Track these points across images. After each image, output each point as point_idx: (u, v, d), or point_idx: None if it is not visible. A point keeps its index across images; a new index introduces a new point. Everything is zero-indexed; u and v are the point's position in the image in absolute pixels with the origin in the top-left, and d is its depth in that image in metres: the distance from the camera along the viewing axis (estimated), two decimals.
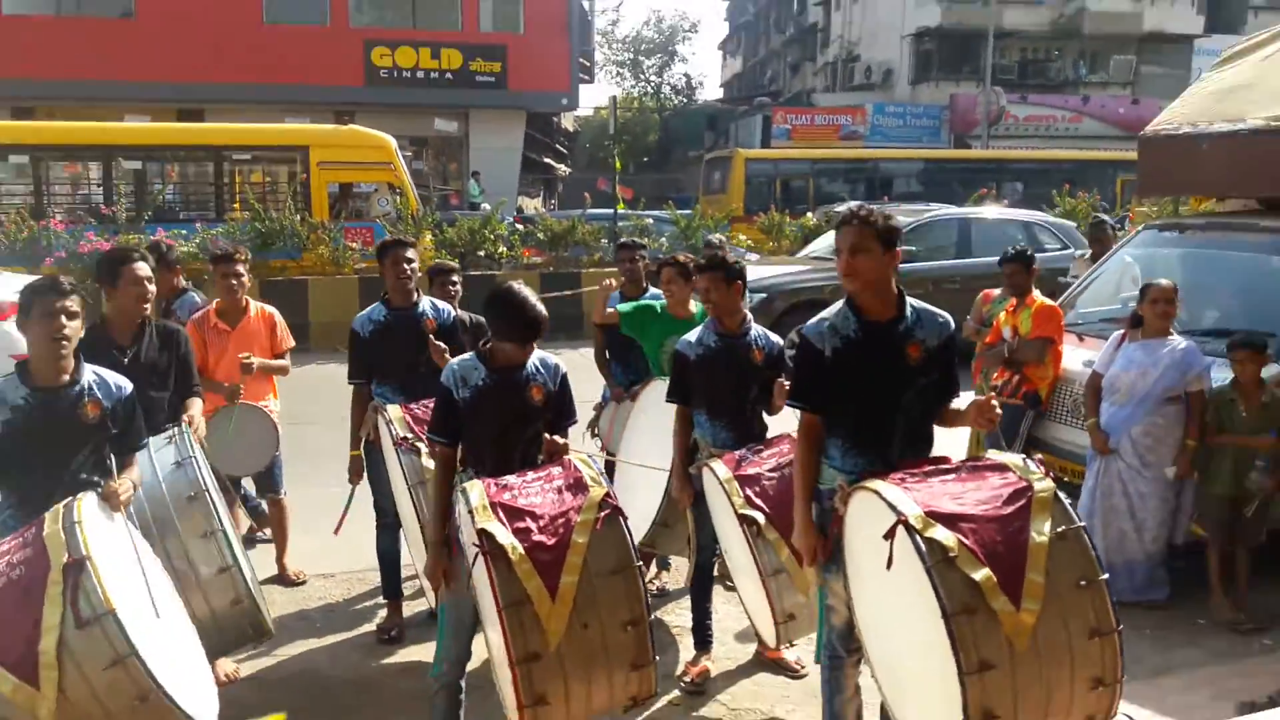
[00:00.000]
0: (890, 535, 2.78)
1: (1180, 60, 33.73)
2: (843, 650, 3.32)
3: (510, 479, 3.25)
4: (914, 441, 3.22)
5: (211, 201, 15.24)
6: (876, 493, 2.88)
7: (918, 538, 2.69)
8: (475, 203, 21.85)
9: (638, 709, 3.21)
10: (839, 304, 3.26)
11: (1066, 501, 2.82)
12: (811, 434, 3.28)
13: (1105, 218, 9.01)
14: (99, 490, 3.18)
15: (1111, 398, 5.06)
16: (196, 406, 4.28)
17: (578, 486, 3.20)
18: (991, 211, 14.12)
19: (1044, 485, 2.83)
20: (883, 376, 3.19)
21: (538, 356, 3.59)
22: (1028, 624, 2.62)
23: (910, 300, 3.25)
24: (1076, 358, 5.64)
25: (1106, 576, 2.75)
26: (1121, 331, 5.23)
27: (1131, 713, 3.73)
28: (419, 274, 4.92)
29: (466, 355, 3.59)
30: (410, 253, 4.79)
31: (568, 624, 2.94)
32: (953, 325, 3.28)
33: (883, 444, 3.19)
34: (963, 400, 3.30)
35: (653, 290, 5.64)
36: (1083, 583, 2.71)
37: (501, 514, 3.06)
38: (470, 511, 3.05)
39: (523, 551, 2.97)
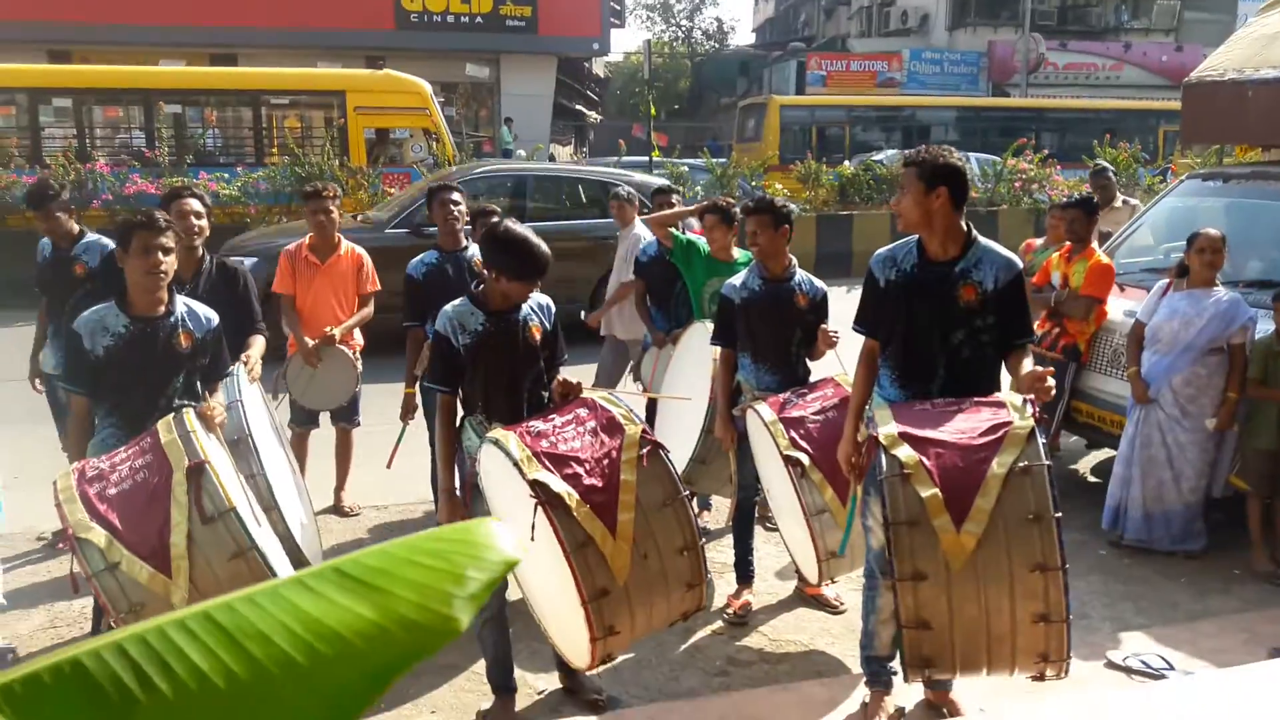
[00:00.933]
0: (869, 450, 3.05)
1: (1225, 5, 32.84)
2: (879, 571, 3.44)
3: (539, 425, 3.29)
4: (962, 381, 3.27)
5: (250, 146, 15.35)
6: (874, 415, 3.14)
7: (882, 453, 2.95)
8: (508, 149, 21.84)
9: (686, 621, 3.38)
10: (912, 237, 3.37)
11: (1040, 440, 2.93)
12: (869, 358, 3.45)
13: (1105, 165, 9.11)
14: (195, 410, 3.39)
15: (1154, 347, 5.09)
16: (258, 345, 4.40)
17: (611, 427, 3.29)
18: (560, 168, 13.51)
19: (1023, 423, 2.95)
20: (931, 314, 3.27)
21: (532, 296, 3.63)
22: (965, 545, 2.81)
23: (982, 241, 3.31)
24: (1118, 307, 5.67)
25: (1060, 515, 2.86)
26: (1167, 281, 5.24)
27: (1166, 655, 3.85)
28: (466, 217, 5.03)
29: (459, 300, 3.59)
30: (457, 195, 4.93)
31: (630, 557, 3.09)
32: (1019, 267, 3.31)
33: (926, 379, 3.30)
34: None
35: (687, 235, 5.73)
36: (1031, 516, 2.83)
37: (547, 462, 3.14)
38: (517, 464, 3.11)
39: (579, 497, 3.08)
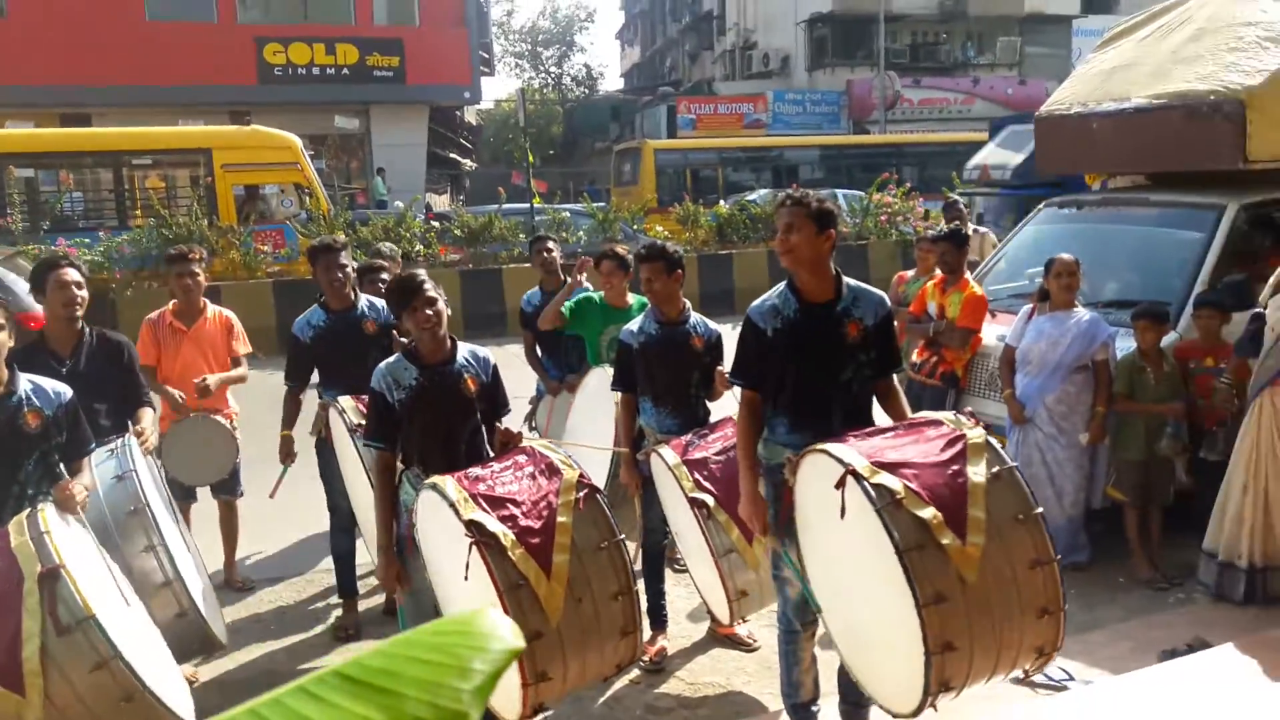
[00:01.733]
0: (840, 485, 2.96)
1: (1061, 40, 35.09)
2: (798, 624, 3.48)
3: (478, 470, 3.32)
4: (854, 416, 3.40)
5: (112, 208, 14.75)
6: (824, 451, 3.07)
7: (866, 484, 2.89)
8: (383, 200, 21.57)
9: (620, 673, 3.35)
10: (781, 285, 3.44)
11: (997, 445, 3.04)
12: (751, 409, 3.47)
13: (956, 197, 10.24)
14: (52, 497, 3.19)
15: (1025, 369, 5.35)
16: (147, 417, 4.25)
17: (550, 471, 3.31)
18: None
19: (976, 433, 3.06)
20: (822, 355, 3.37)
21: (467, 349, 3.69)
22: (974, 556, 2.82)
23: (847, 281, 3.45)
24: (990, 332, 5.93)
25: (1041, 510, 2.96)
26: (1030, 305, 5.53)
27: (1065, 666, 4.01)
28: (353, 276, 4.95)
29: (393, 357, 3.67)
30: (343, 256, 4.82)
31: (564, 601, 3.07)
32: (889, 304, 3.50)
33: (823, 419, 3.37)
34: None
35: (576, 296, 5.80)
36: (1020, 517, 2.93)
37: (484, 503, 3.15)
38: (453, 506, 3.12)
39: (514, 537, 3.08)
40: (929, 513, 2.84)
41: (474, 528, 3.06)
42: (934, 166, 23.87)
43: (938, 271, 6.38)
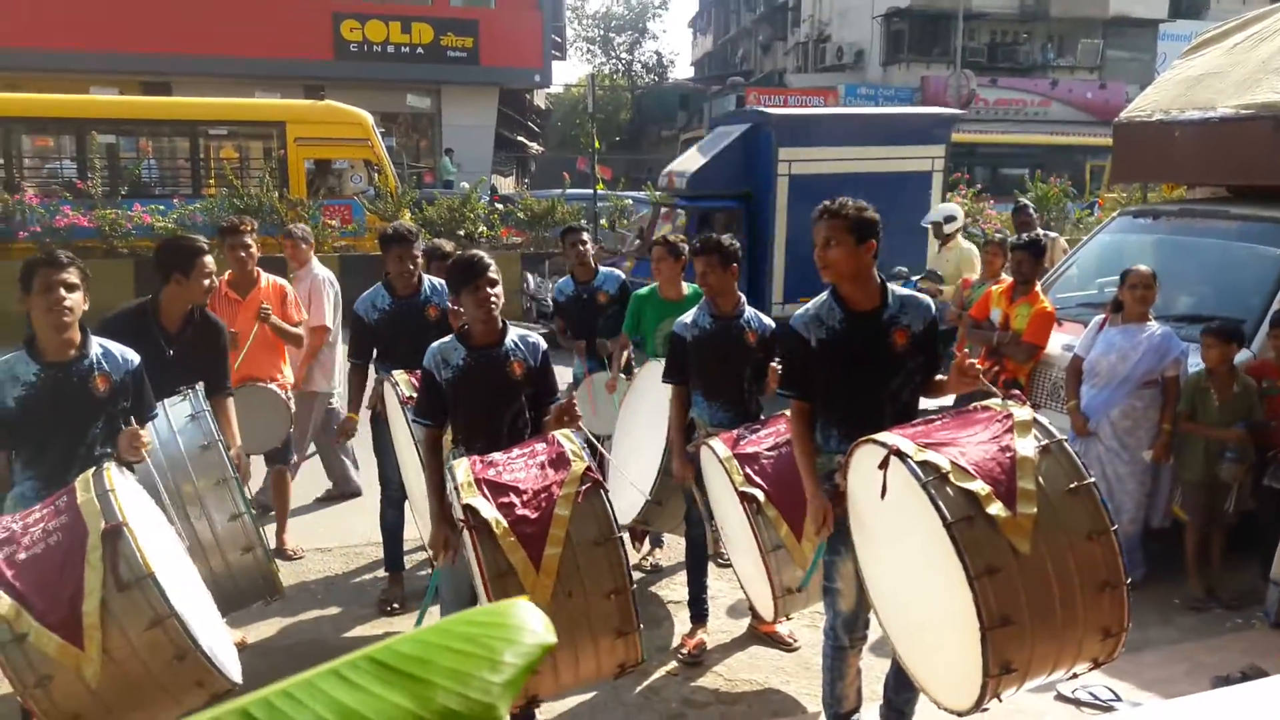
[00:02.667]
0: (884, 465, 2.93)
1: (1146, 44, 34.17)
2: (846, 639, 3.42)
3: (496, 456, 3.36)
4: (904, 422, 3.31)
5: (187, 177, 15.09)
6: (871, 440, 3.04)
7: (910, 462, 2.86)
8: (449, 180, 21.77)
9: (627, 675, 3.34)
10: (824, 295, 3.38)
11: (1045, 421, 2.97)
12: (803, 419, 3.42)
13: (1026, 202, 9.85)
14: (116, 447, 3.28)
15: (1091, 381, 5.22)
16: (221, 407, 4.28)
17: (560, 461, 3.30)
18: None
19: (1023, 411, 3.00)
20: (870, 364, 3.31)
21: (517, 333, 3.71)
22: (1025, 526, 2.75)
23: (891, 287, 3.39)
24: (1056, 342, 5.81)
25: (1093, 480, 2.88)
26: (1102, 316, 5.39)
27: (1113, 686, 3.92)
28: (421, 265, 4.99)
29: (446, 338, 3.70)
30: (415, 249, 4.83)
31: (552, 594, 3.06)
32: (934, 308, 3.43)
33: (874, 428, 3.30)
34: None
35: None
36: (1072, 487, 2.85)
37: (486, 490, 3.17)
38: (456, 489, 3.17)
39: (506, 525, 3.09)
40: (977, 485, 2.80)
41: (469, 512, 3.09)
42: (1007, 168, 23.43)
43: (1004, 275, 6.26)
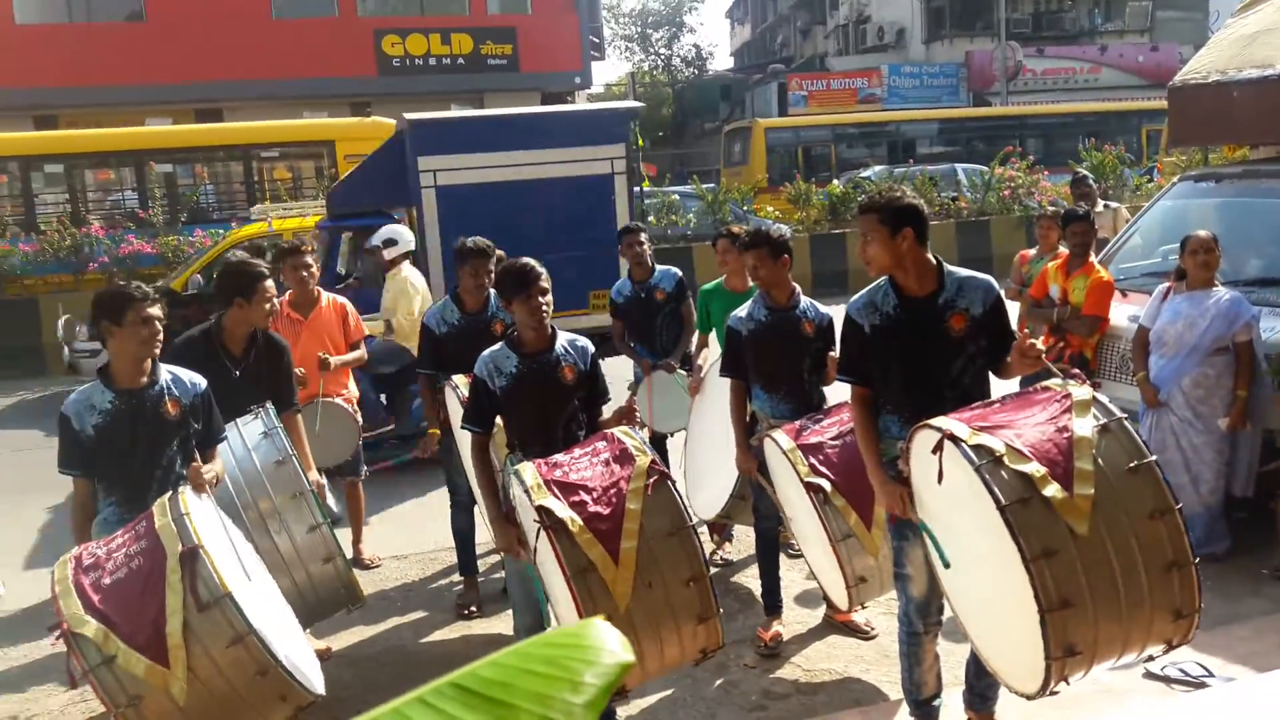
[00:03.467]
0: (938, 449, 2.91)
1: (1197, 3, 33.24)
2: (920, 624, 3.40)
3: (559, 457, 3.41)
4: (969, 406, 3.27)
5: (243, 199, 15.43)
6: (926, 425, 3.03)
7: (964, 446, 2.83)
8: None
9: (708, 659, 3.38)
10: (883, 280, 3.35)
11: (1105, 399, 2.91)
12: (864, 405, 3.40)
13: (1085, 173, 9.27)
14: (185, 477, 3.40)
15: (1159, 351, 5.11)
16: (291, 424, 4.39)
17: (624, 458, 3.34)
18: None
19: (1082, 391, 2.95)
20: (927, 350, 3.27)
21: (566, 338, 3.76)
22: (1083, 508, 2.71)
23: (950, 270, 3.33)
24: (1121, 313, 5.69)
25: (1155, 459, 2.82)
26: (1166, 285, 5.27)
27: (1203, 662, 3.84)
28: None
29: (497, 345, 3.76)
30: (490, 263, 4.82)
31: (633, 585, 3.11)
32: (997, 288, 3.35)
33: (934, 413, 3.26)
34: None
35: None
36: (1132, 466, 2.80)
37: (556, 490, 3.23)
38: (526, 491, 3.22)
39: (581, 523, 3.14)
40: (1032, 467, 2.76)
41: (543, 513, 3.14)
42: (1059, 138, 23.01)
43: (1061, 249, 6.15)
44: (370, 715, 0.70)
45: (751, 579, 4.89)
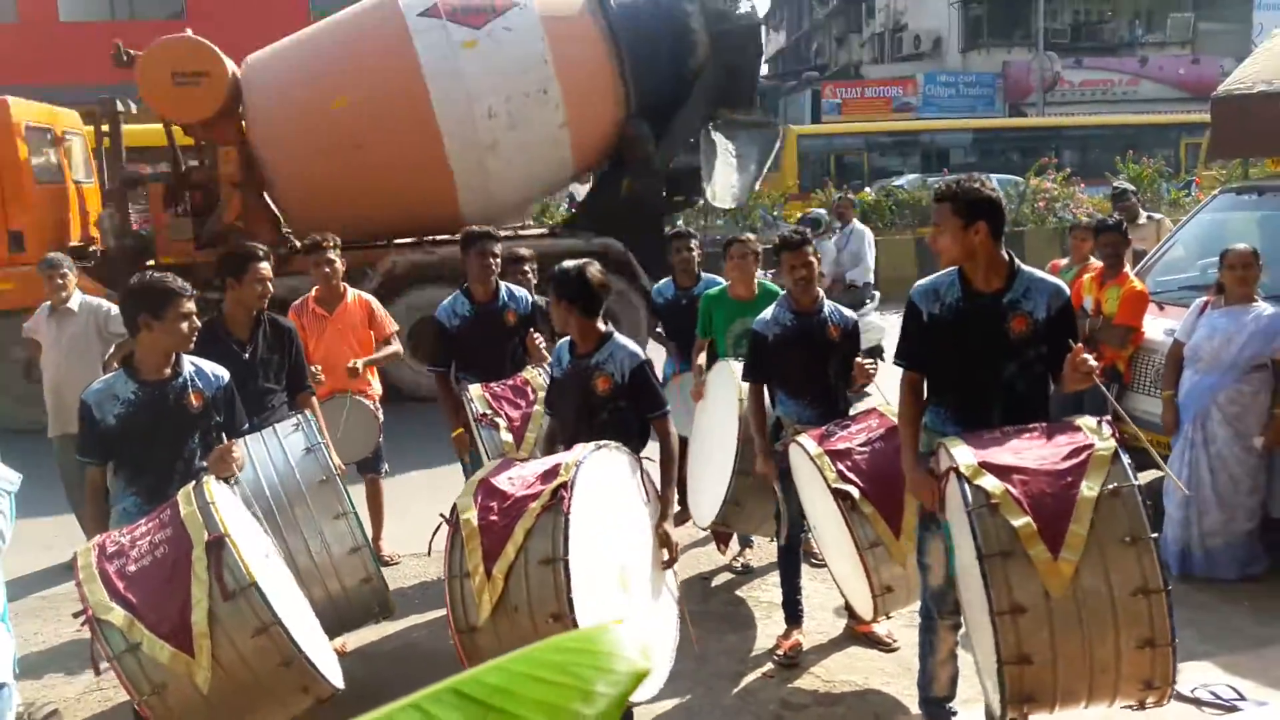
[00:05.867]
0: (944, 479, 2.94)
1: (1240, 15, 32.73)
2: (936, 611, 3.38)
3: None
4: (1019, 412, 3.18)
5: None
6: (944, 446, 3.02)
7: (965, 484, 2.82)
8: None
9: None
10: (953, 269, 3.28)
11: (1127, 462, 2.84)
12: (912, 390, 3.34)
13: (1127, 186, 9.14)
14: (208, 463, 3.40)
15: (1195, 366, 5.00)
16: (311, 405, 4.43)
17: (551, 473, 3.21)
18: None
19: (1105, 444, 2.87)
20: (981, 348, 3.20)
21: (616, 344, 3.68)
22: (1064, 573, 2.70)
23: (1023, 269, 3.24)
24: (1158, 326, 5.59)
25: (1156, 536, 2.78)
26: (1204, 299, 5.16)
27: (1235, 684, 3.74)
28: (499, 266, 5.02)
29: (565, 339, 3.78)
30: (496, 246, 4.88)
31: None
32: (1067, 294, 3.25)
33: (982, 415, 3.20)
34: None
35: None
36: (1128, 539, 2.74)
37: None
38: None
39: (475, 526, 3.16)
40: (1022, 521, 2.75)
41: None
42: (1096, 151, 22.68)
43: (1092, 260, 6.05)
44: (364, 718, 0.65)
45: (772, 587, 4.82)
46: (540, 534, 3.06)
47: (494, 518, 3.14)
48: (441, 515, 3.18)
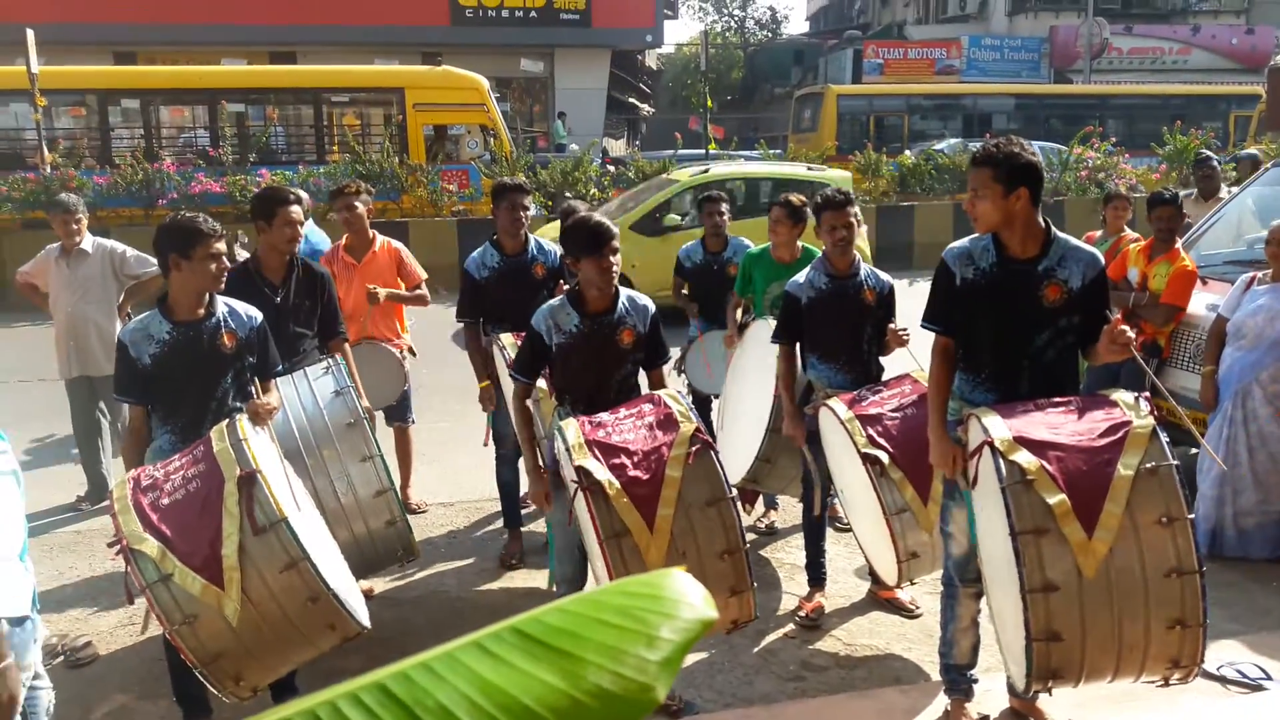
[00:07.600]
0: (975, 455, 2.90)
1: None
2: (958, 579, 3.37)
3: (603, 416, 3.37)
4: (1049, 381, 3.14)
5: (312, 143, 15.53)
6: (977, 417, 2.97)
7: (1000, 459, 2.78)
8: (562, 144, 21.85)
9: (739, 630, 3.37)
10: (987, 234, 3.21)
11: (1164, 440, 2.79)
12: (944, 356, 3.28)
13: (1211, 154, 8.65)
14: (245, 410, 3.42)
15: (1237, 343, 4.91)
16: (343, 350, 4.45)
17: (668, 423, 3.28)
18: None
19: (1143, 422, 2.82)
20: (1014, 316, 3.14)
21: (627, 296, 3.67)
22: (1098, 552, 2.67)
23: (1059, 236, 3.17)
24: (1201, 301, 5.47)
25: (1193, 517, 2.75)
26: (1249, 275, 5.05)
27: (1263, 664, 3.70)
28: (529, 219, 5.00)
29: (557, 300, 3.70)
30: (527, 199, 4.86)
31: (666, 553, 3.08)
32: (1102, 263, 3.18)
33: (1011, 382, 3.16)
34: None
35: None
36: (1164, 520, 2.71)
37: (597, 451, 3.19)
38: (568, 450, 3.19)
39: (619, 486, 3.10)
40: (1057, 499, 2.71)
41: (582, 474, 3.11)
42: (1143, 120, 22.19)
43: (1126, 232, 5.93)
44: (422, 656, 0.64)
45: (796, 549, 4.83)
46: (697, 480, 3.15)
47: (635, 473, 3.14)
48: (574, 481, 3.14)
